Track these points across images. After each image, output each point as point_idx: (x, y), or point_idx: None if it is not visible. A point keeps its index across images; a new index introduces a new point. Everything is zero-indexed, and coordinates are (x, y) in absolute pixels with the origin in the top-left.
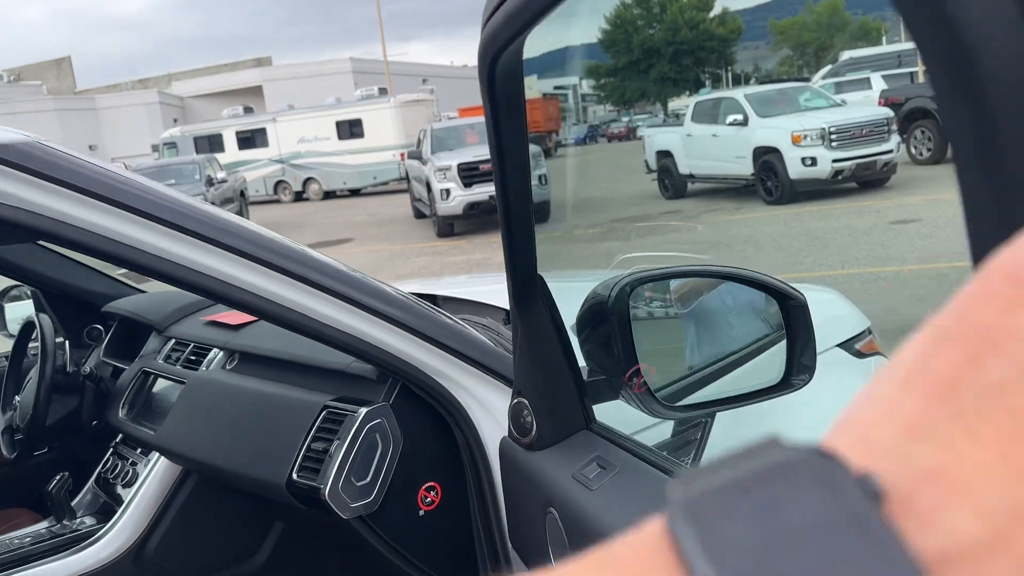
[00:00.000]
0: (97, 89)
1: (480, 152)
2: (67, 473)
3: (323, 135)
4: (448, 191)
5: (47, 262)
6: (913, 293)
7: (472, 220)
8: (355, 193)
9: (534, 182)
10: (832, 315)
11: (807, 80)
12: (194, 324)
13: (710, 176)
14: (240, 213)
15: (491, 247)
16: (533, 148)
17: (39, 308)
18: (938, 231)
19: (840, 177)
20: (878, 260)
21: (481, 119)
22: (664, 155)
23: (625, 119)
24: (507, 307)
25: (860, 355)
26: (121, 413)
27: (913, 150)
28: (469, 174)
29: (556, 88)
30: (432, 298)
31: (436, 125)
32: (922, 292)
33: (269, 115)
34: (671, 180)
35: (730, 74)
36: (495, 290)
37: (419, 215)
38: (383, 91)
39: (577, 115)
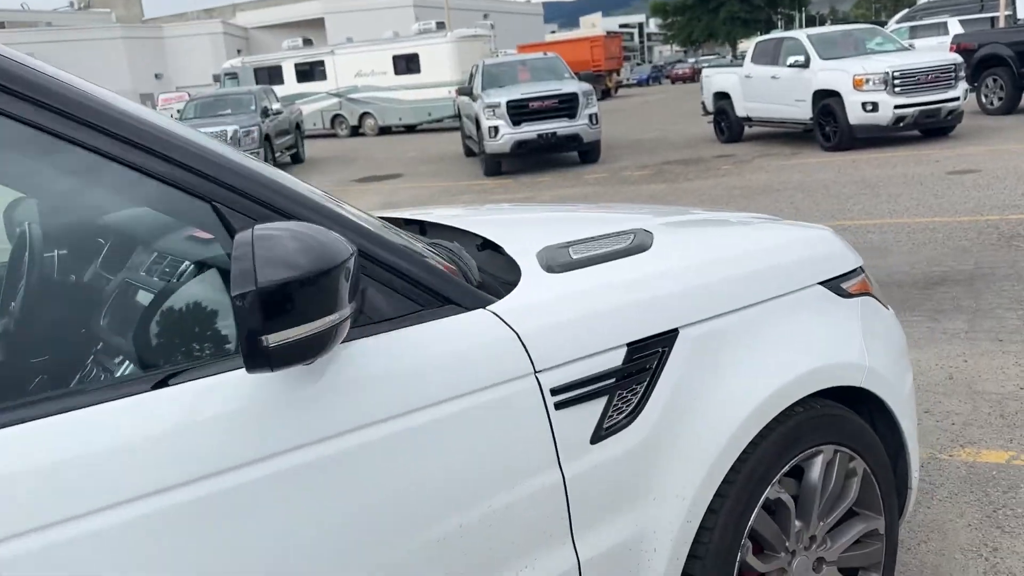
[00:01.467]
0: (163, 19)
1: (531, 90)
2: None
3: (380, 70)
4: (496, 129)
5: None
6: (959, 245)
7: (520, 159)
8: (410, 129)
9: (584, 122)
10: (818, 253)
11: (883, 24)
12: None
13: (767, 119)
14: (295, 146)
15: (536, 186)
16: (584, 86)
17: None
18: (996, 183)
19: (901, 124)
20: (928, 210)
21: (535, 56)
22: (721, 97)
23: (691, 60)
24: (484, 235)
25: (846, 294)
26: None
27: (984, 99)
28: (518, 112)
29: (621, 26)
30: (422, 224)
31: (488, 61)
32: (967, 244)
33: (328, 48)
34: (727, 123)
35: (804, 15)
36: (488, 220)
37: (469, 153)
38: (441, 25)
39: (642, 55)
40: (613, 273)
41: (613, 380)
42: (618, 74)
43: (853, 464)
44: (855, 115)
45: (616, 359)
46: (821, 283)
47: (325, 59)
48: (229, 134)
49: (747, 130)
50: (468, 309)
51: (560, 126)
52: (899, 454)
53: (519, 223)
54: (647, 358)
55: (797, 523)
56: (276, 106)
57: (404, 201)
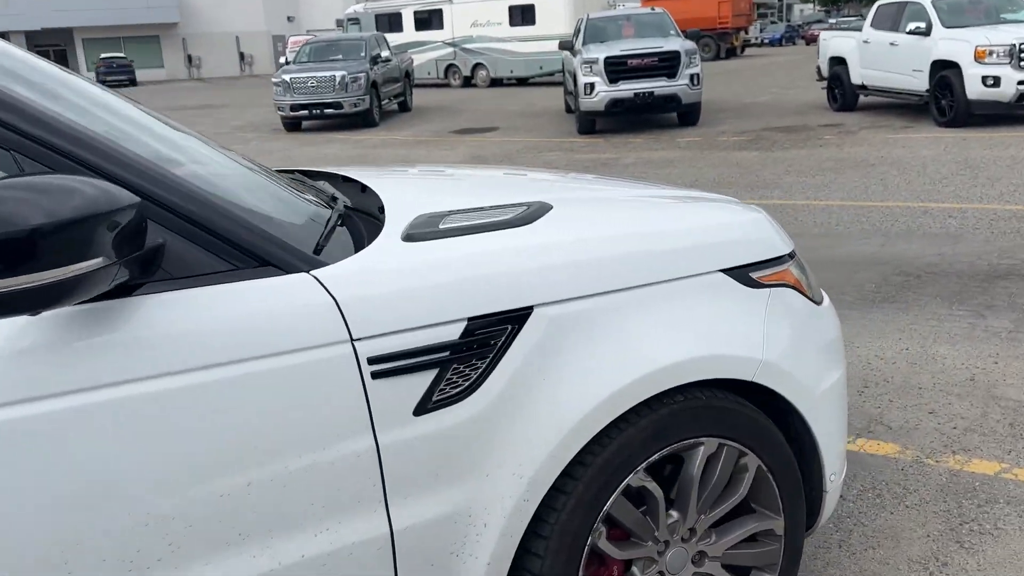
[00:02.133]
0: None
1: (632, 46)
2: None
3: (495, 20)
4: (592, 85)
5: None
6: None
7: (615, 118)
8: (522, 82)
9: (684, 82)
10: (727, 239)
11: None
12: None
13: (883, 89)
14: (402, 94)
15: (625, 147)
16: (688, 45)
17: None
18: None
19: None
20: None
21: (641, 10)
22: (837, 62)
23: (831, 20)
24: (384, 198)
25: (753, 283)
26: None
27: None
28: (616, 69)
29: None
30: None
31: (593, 15)
32: None
33: None
34: (841, 90)
35: None
36: (410, 183)
37: (568, 110)
38: None
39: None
40: (469, 246)
41: (447, 353)
42: (746, 32)
43: (744, 460)
44: (974, 89)
45: (453, 333)
46: (724, 270)
47: (443, 8)
48: (337, 79)
49: (862, 99)
50: (287, 272)
51: (658, 85)
52: (812, 455)
53: (433, 188)
54: (492, 334)
55: (673, 514)
56: (386, 54)
57: (489, 155)
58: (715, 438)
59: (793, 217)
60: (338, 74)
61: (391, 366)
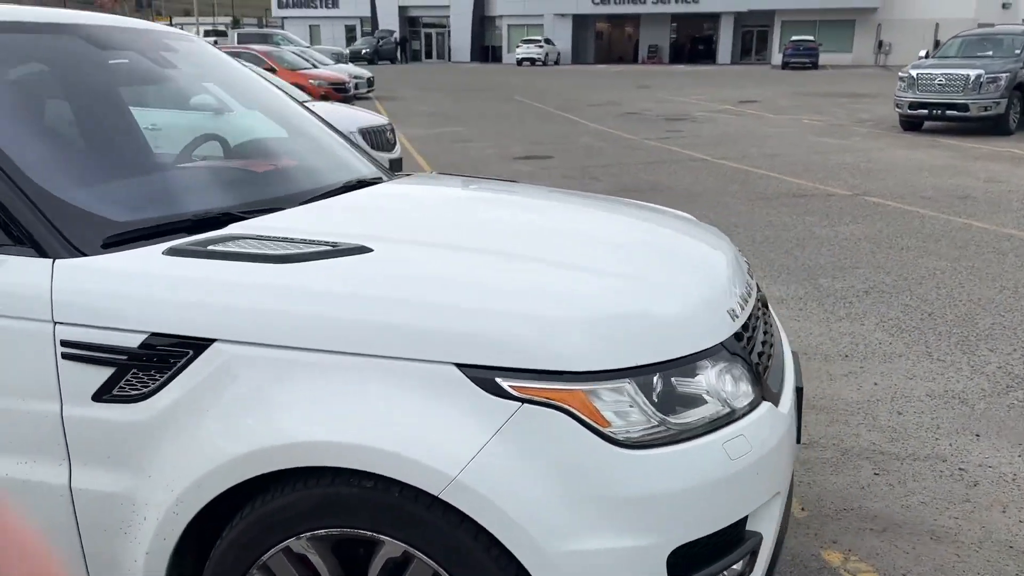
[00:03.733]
0: None
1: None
2: None
3: None
4: None
5: None
6: None
7: None
8: None
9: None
10: (486, 330)
11: None
12: None
13: None
14: None
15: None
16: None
17: None
18: None
19: None
20: None
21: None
22: None
23: None
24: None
25: (499, 392)
26: None
27: None
28: None
29: None
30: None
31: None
32: None
33: None
34: None
35: None
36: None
37: None
38: None
39: None
40: (191, 270)
41: (125, 357)
42: None
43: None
44: None
45: (133, 341)
46: (460, 365)
47: None
48: (970, 79)
49: None
50: (40, 255)
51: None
52: None
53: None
54: (172, 353)
55: None
56: None
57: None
58: (399, 542)
59: None
60: (973, 73)
61: (78, 352)
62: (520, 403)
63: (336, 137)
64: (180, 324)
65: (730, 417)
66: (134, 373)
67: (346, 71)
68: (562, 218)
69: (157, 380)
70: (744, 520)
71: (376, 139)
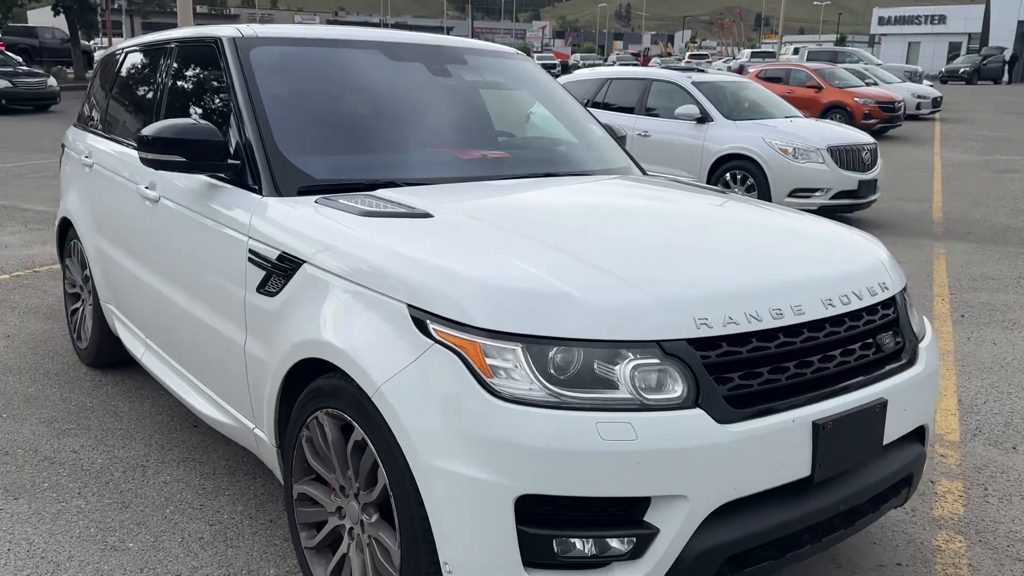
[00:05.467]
0: None
1: None
2: None
3: None
4: None
5: None
6: None
7: None
8: None
9: None
10: (430, 283)
11: None
12: None
13: None
14: None
15: None
16: None
17: None
18: None
19: None
20: None
21: None
22: None
23: None
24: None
25: (424, 330)
26: None
27: None
28: None
29: None
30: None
31: None
32: None
33: None
34: None
35: None
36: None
37: None
38: None
39: None
40: (314, 213)
41: (269, 266)
42: None
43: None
44: None
45: (273, 256)
46: (409, 305)
47: None
48: None
49: None
50: (255, 193)
51: None
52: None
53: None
54: (288, 267)
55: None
56: None
57: None
58: (360, 428)
59: None
60: None
61: (254, 258)
62: (434, 342)
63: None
64: (292, 248)
65: (631, 405)
66: (272, 277)
67: (908, 90)
68: (647, 218)
69: (281, 284)
70: (635, 507)
71: (847, 158)
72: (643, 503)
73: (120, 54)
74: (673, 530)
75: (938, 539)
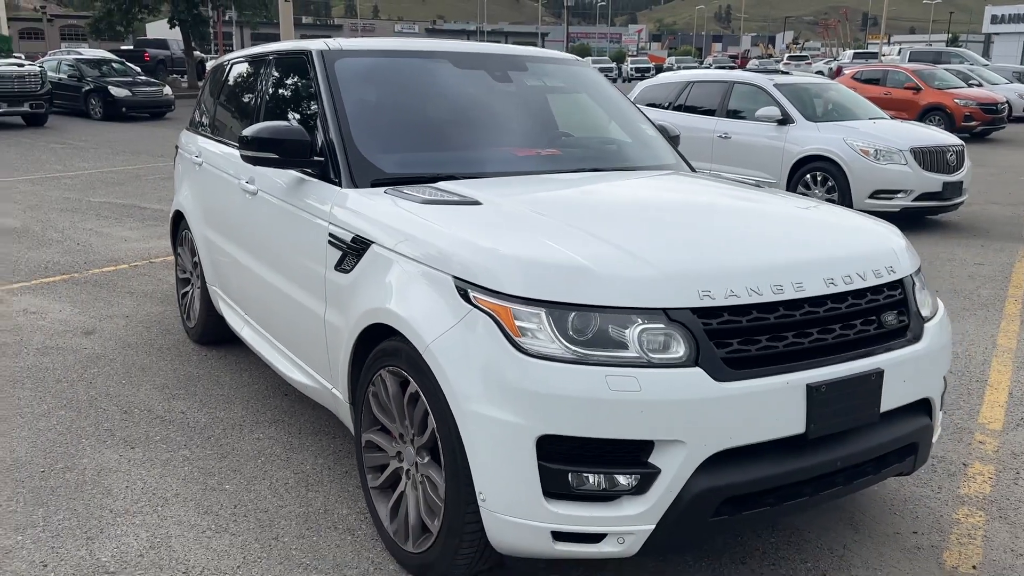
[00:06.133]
0: None
1: None
2: None
3: None
4: None
5: None
6: None
7: None
8: None
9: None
10: (470, 258)
11: None
12: None
13: None
14: None
15: None
16: None
17: None
18: None
19: None
20: None
21: None
22: None
23: None
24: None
25: (466, 298)
26: None
27: None
28: None
29: None
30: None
31: None
32: None
33: None
34: None
35: None
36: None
37: None
38: None
39: None
40: (381, 201)
41: (345, 246)
42: None
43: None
44: None
45: (348, 238)
46: (455, 277)
47: None
48: None
49: None
50: (336, 185)
51: None
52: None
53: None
54: (360, 248)
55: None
56: None
57: None
58: (414, 381)
59: None
60: None
61: (333, 240)
62: (473, 307)
63: (638, 139)
64: (363, 231)
65: (638, 363)
66: (346, 256)
67: (1014, 91)
68: (673, 206)
69: (354, 262)
70: (641, 449)
71: (931, 159)
72: (647, 446)
73: (227, 65)
74: (672, 471)
75: (958, 513)
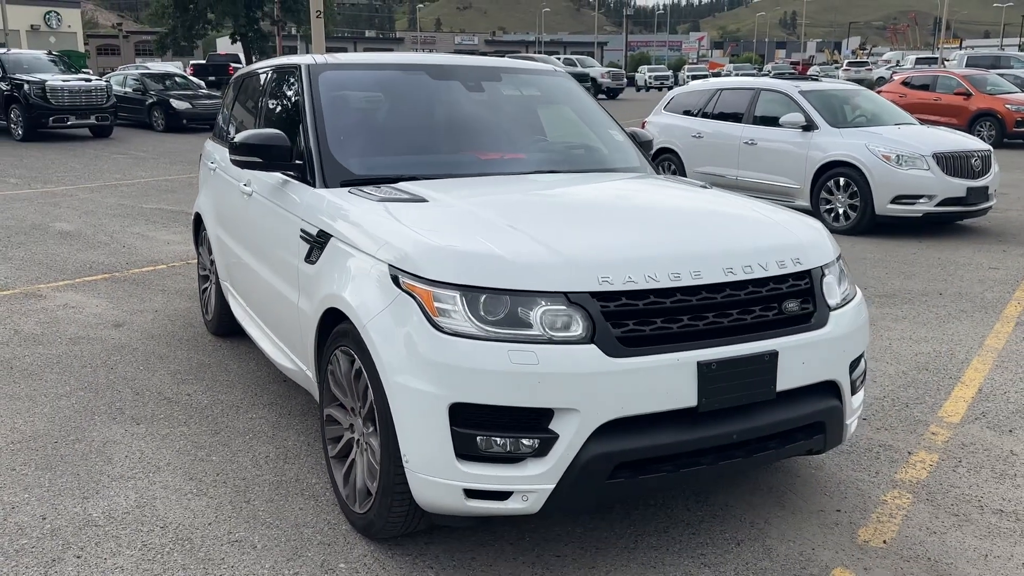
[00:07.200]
0: None
1: None
2: None
3: None
4: None
5: None
6: None
7: None
8: None
9: None
10: (402, 246)
11: None
12: None
13: None
14: None
15: None
16: None
17: None
18: None
19: None
20: None
21: None
22: None
23: None
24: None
25: (397, 283)
26: None
27: None
28: None
29: None
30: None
31: None
32: None
33: None
34: None
35: None
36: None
37: None
38: None
39: None
40: (341, 198)
41: (311, 240)
42: None
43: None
44: None
45: (314, 232)
46: (390, 264)
47: None
48: None
49: None
50: (309, 185)
51: None
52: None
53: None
54: (321, 240)
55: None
56: None
57: None
58: (356, 358)
59: None
60: None
61: (302, 235)
62: (401, 291)
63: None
64: (324, 225)
65: (539, 339)
66: (313, 249)
67: None
68: (603, 203)
69: (319, 254)
70: (542, 417)
71: (955, 164)
72: (548, 414)
73: (241, 77)
74: (569, 436)
75: (887, 495)
